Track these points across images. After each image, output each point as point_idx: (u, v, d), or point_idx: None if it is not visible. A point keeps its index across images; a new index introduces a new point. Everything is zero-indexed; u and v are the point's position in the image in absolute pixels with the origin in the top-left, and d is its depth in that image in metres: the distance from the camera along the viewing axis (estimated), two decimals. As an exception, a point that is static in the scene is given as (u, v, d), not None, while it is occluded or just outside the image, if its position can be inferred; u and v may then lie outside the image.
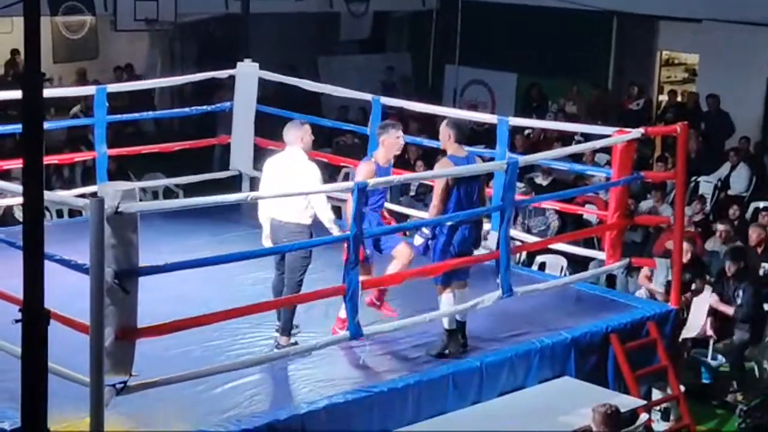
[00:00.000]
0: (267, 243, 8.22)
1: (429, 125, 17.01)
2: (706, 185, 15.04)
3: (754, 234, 11.48)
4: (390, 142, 8.34)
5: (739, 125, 16.52)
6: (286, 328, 7.93)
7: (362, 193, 7.32)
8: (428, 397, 7.57)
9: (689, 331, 10.29)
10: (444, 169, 8.15)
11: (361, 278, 7.59)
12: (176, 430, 6.66)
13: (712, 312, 10.25)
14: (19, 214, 11.47)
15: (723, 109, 16.77)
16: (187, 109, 12.92)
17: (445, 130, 8.25)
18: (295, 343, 7.79)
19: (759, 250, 11.41)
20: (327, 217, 7.88)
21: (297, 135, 8.11)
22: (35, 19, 4.71)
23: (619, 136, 9.24)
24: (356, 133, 14.34)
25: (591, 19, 18.53)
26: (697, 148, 15.40)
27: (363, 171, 8.12)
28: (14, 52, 18.38)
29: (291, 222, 7.95)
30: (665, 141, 16.09)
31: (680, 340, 9.86)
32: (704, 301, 10.46)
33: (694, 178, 14.71)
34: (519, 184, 12.01)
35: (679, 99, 18.33)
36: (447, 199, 7.96)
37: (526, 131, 16.59)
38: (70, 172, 15.15)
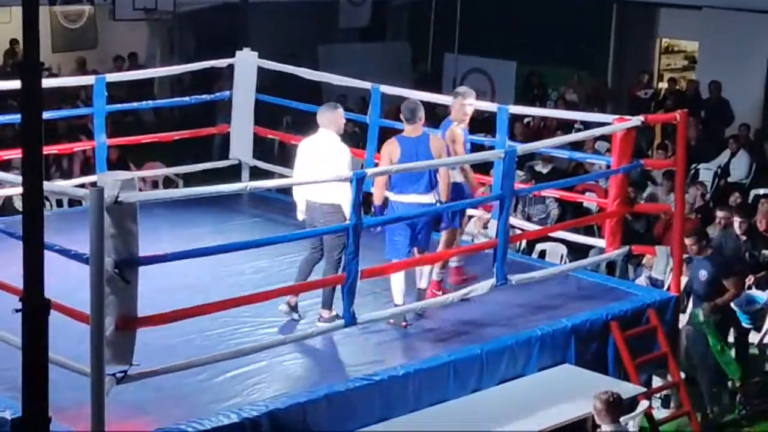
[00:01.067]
0: (301, 217, 8.36)
1: (429, 114, 17.02)
2: (706, 172, 15.04)
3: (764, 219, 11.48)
4: (455, 108, 8.88)
5: (738, 112, 16.51)
6: (327, 302, 8.00)
7: (361, 182, 7.32)
8: (428, 385, 7.58)
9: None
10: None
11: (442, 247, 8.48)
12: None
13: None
14: (19, 204, 11.47)
15: (723, 96, 16.76)
16: (186, 99, 12.90)
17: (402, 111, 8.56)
18: (337, 315, 7.82)
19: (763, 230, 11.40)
20: (347, 200, 7.77)
21: (331, 118, 8.21)
22: (34, 9, 4.71)
23: (618, 124, 9.23)
24: (356, 121, 14.31)
25: (591, 7, 18.52)
26: (696, 135, 15.40)
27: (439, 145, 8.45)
28: (13, 41, 18.36)
29: (326, 203, 8.00)
30: (665, 129, 16.10)
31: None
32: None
33: (694, 165, 14.71)
34: (519, 172, 12.02)
35: (678, 87, 18.31)
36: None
37: (526, 119, 16.59)
38: (69, 161, 15.15)
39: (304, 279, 8.18)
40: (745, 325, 9.81)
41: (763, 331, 10.13)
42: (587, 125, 11.81)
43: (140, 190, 6.65)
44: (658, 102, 18.11)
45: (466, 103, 8.98)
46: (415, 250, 8.38)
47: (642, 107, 15.85)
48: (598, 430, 7.13)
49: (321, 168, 7.99)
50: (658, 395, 9.07)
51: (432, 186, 8.31)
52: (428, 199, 8.30)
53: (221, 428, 6.58)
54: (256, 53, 11.74)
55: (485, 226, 11.70)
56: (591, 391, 7.31)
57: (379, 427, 7.23)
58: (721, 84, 16.75)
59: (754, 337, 10.23)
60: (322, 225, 7.93)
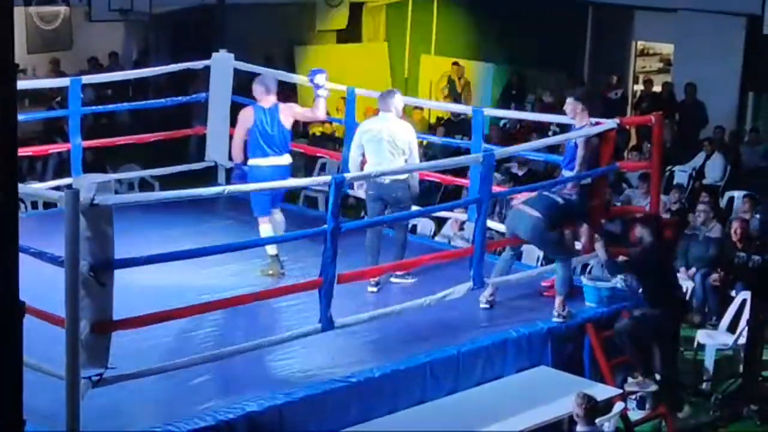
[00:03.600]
0: (361, 192, 9.22)
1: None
2: (681, 174, 15.11)
3: (736, 225, 11.60)
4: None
5: (713, 115, 16.59)
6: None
7: (339, 186, 7.32)
8: (405, 386, 7.59)
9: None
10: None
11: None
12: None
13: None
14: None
15: (698, 98, 16.85)
16: (162, 100, 12.86)
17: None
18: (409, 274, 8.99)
19: (737, 240, 11.52)
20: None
21: (393, 102, 9.04)
22: (9, 9, 4.68)
23: (594, 128, 9.26)
24: (332, 123, 14.33)
25: (566, 10, 18.55)
26: (671, 137, 15.47)
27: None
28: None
29: (396, 179, 8.84)
30: (639, 131, 16.15)
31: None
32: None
33: (669, 167, 14.77)
34: (497, 175, 12.04)
35: (654, 89, 18.38)
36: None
37: (502, 122, 16.62)
38: (43, 164, 15.08)
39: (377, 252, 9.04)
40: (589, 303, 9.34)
41: (738, 332, 10.19)
42: (563, 128, 11.83)
43: (116, 192, 6.63)
44: (634, 104, 18.18)
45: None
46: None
47: (614, 109, 15.90)
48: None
49: (400, 144, 8.90)
50: (633, 397, 9.10)
51: (287, 149, 9.16)
52: (284, 160, 9.14)
53: (197, 431, 6.57)
54: (232, 55, 11.72)
55: (461, 228, 11.74)
56: (567, 392, 7.35)
57: (356, 428, 7.23)
58: (696, 86, 16.84)
59: (728, 338, 10.30)
60: (394, 199, 8.95)
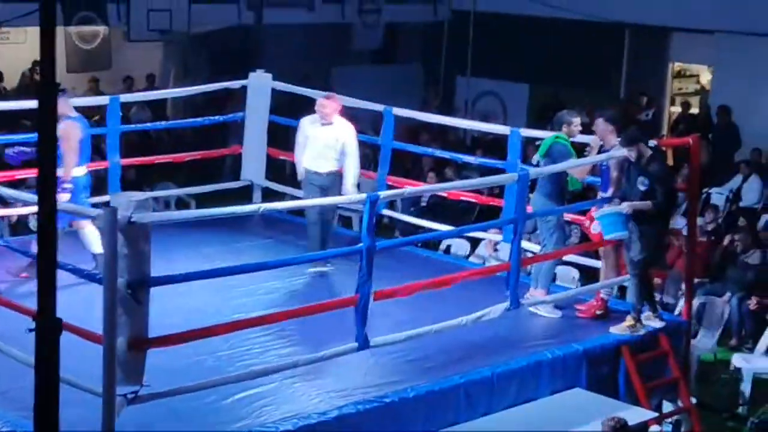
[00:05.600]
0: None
1: (441, 136, 17.05)
2: (717, 197, 15.02)
3: None
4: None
5: (751, 137, 16.50)
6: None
7: (374, 204, 7.33)
8: (439, 407, 7.56)
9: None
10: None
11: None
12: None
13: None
14: (33, 224, 11.51)
15: (734, 121, 16.75)
16: (199, 119, 12.95)
17: None
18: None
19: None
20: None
21: (333, 104, 9.87)
22: (51, 30, 4.73)
23: (618, 151, 9.17)
24: (367, 143, 14.33)
25: (603, 31, 18.54)
26: (708, 159, 15.39)
27: None
28: (36, 63, 18.46)
29: (331, 172, 9.88)
30: (676, 153, 16.08)
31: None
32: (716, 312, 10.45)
33: (705, 189, 14.69)
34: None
35: (691, 111, 18.30)
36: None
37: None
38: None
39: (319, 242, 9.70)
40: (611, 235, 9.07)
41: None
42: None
43: (153, 210, 6.67)
44: (671, 126, 18.10)
45: None
46: None
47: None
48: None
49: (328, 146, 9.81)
50: (669, 420, 9.03)
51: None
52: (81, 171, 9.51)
53: (231, 450, 6.58)
54: (269, 75, 11.78)
55: (495, 249, 11.71)
56: (602, 415, 7.29)
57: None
58: (731, 109, 16.74)
59: (764, 362, 10.18)
60: (329, 186, 9.70)
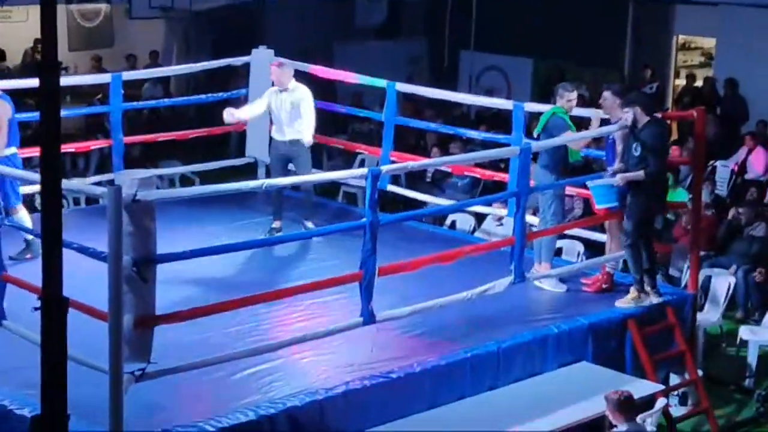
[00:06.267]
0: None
1: (445, 111, 16.99)
2: (723, 169, 14.99)
3: None
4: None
5: (756, 109, 16.43)
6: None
7: (376, 179, 7.32)
8: (445, 382, 7.58)
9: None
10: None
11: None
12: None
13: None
14: (37, 202, 11.51)
15: (740, 93, 16.68)
16: (202, 96, 12.92)
17: None
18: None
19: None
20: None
21: (290, 72, 10.26)
22: (52, 8, 4.72)
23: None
24: (371, 119, 14.30)
25: (607, 4, 18.45)
26: (713, 132, 15.33)
27: None
28: (37, 41, 18.42)
29: (294, 140, 10.26)
30: (681, 125, 16.03)
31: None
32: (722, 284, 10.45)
33: (711, 162, 14.65)
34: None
35: (696, 83, 18.23)
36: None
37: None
38: (85, 160, 15.20)
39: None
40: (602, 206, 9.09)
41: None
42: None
43: (157, 188, 6.67)
44: (675, 99, 18.04)
45: None
46: None
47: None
48: (614, 429, 7.11)
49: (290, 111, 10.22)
50: (676, 393, 9.04)
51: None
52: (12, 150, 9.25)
53: (239, 426, 6.60)
54: (272, 51, 11.74)
55: (500, 223, 11.69)
56: (608, 388, 7.30)
57: (396, 425, 7.24)
58: (738, 81, 16.67)
59: None
60: (294, 154, 10.18)
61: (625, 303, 8.75)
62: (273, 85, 10.50)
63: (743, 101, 16.56)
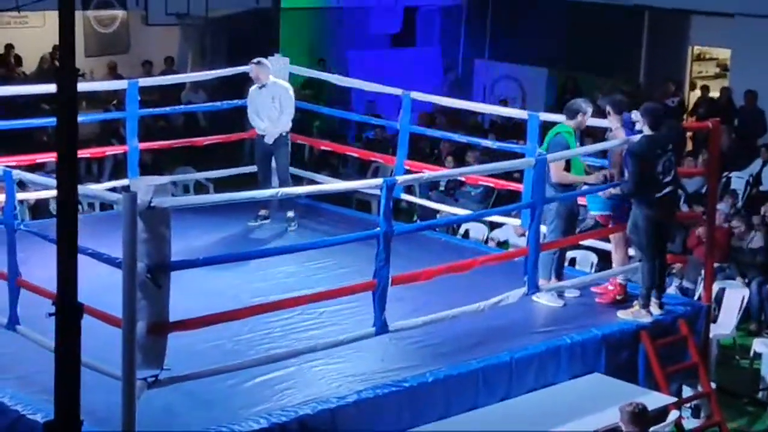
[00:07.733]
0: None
1: (459, 121, 17.01)
2: (738, 181, 14.95)
3: None
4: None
5: (770, 120, 16.41)
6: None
7: (391, 189, 7.32)
8: (457, 392, 7.57)
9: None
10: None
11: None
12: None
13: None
14: (53, 208, 11.55)
15: (758, 106, 16.65)
16: (217, 103, 12.94)
17: None
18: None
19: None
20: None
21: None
22: (70, 14, 4.74)
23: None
24: (385, 128, 14.33)
25: (622, 14, 18.43)
26: (729, 143, 15.30)
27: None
28: (55, 47, 18.49)
29: (280, 136, 10.57)
30: (696, 137, 16.00)
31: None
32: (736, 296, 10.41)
33: (725, 173, 14.62)
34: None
35: (711, 95, 18.19)
36: None
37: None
38: (99, 165, 15.25)
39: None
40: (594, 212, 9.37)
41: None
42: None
43: (172, 195, 6.68)
44: (690, 110, 18.00)
45: None
46: None
47: (671, 116, 15.74)
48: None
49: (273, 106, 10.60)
50: (689, 405, 9.01)
51: None
52: None
53: (250, 433, 6.60)
54: (287, 59, 11.76)
55: (523, 234, 11.64)
56: (621, 400, 7.27)
57: (408, 433, 7.23)
58: (757, 93, 16.63)
59: None
60: (277, 147, 10.52)
61: (625, 315, 8.70)
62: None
63: (761, 113, 16.53)
